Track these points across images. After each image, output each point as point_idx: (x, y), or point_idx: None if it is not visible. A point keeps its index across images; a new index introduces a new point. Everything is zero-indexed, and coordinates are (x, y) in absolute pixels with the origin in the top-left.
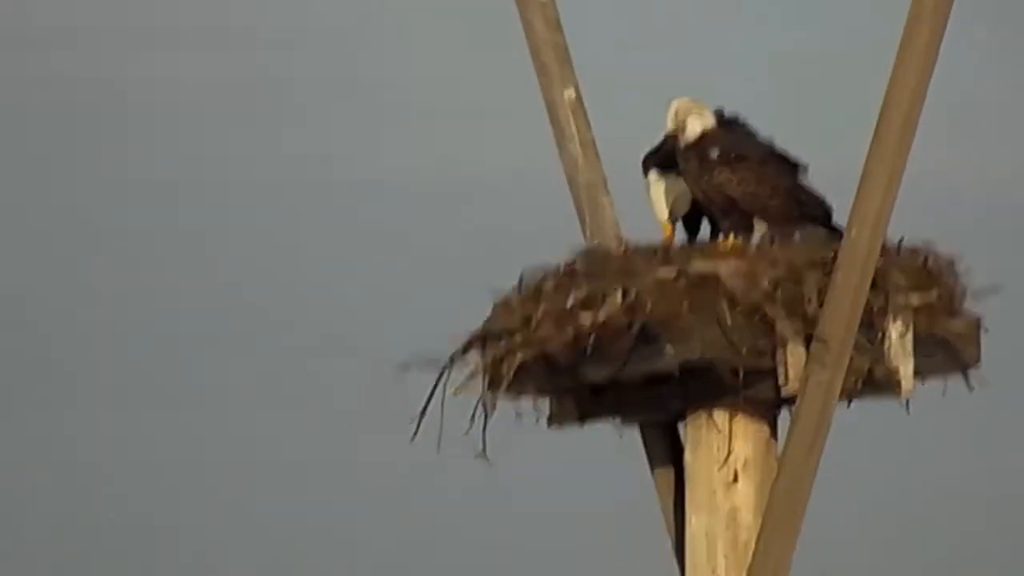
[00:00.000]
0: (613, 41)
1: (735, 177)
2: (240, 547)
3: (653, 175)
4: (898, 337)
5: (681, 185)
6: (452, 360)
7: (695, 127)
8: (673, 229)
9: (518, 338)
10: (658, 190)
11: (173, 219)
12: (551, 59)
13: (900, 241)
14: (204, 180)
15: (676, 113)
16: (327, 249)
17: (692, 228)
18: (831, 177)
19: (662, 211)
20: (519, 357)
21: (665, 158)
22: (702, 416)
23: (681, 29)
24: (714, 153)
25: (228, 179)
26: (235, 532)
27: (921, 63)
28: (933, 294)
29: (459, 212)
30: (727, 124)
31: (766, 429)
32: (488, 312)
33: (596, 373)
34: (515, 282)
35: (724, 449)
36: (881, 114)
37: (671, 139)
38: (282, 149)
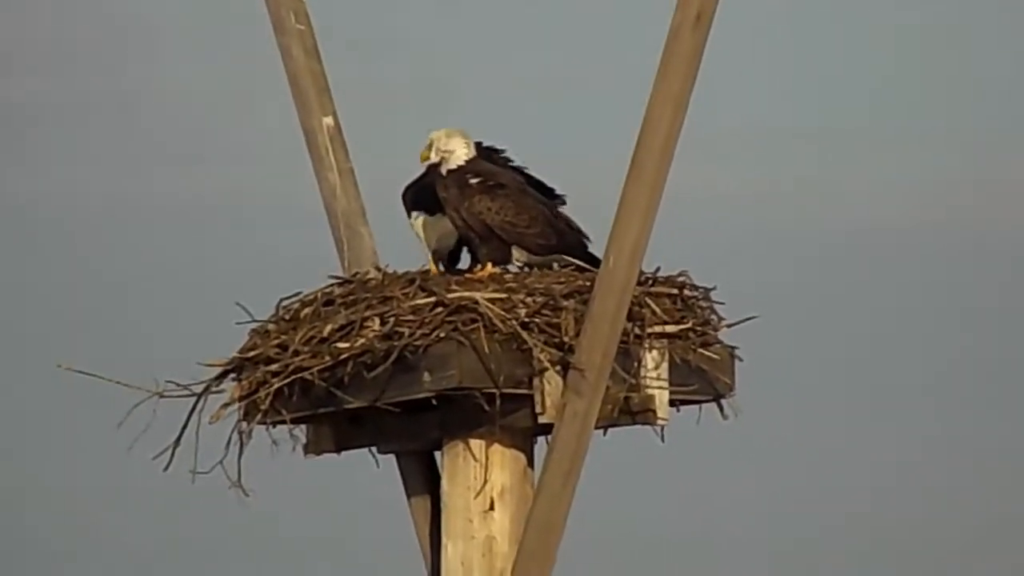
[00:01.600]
0: (373, 70)
1: (494, 205)
2: None
3: (416, 217)
4: (654, 366)
5: (445, 224)
6: (208, 388)
7: (455, 156)
8: (440, 267)
9: (275, 365)
10: (423, 231)
11: None
12: (309, 87)
13: (656, 271)
14: None
15: (437, 141)
16: (82, 271)
17: (451, 257)
18: (588, 206)
19: (428, 251)
20: (275, 385)
21: (425, 189)
22: (459, 444)
23: (440, 58)
24: (473, 181)
25: None
26: None
27: (677, 92)
28: (688, 323)
29: (219, 237)
30: (487, 153)
31: (523, 457)
32: (245, 339)
33: (354, 401)
34: (272, 310)
35: (480, 477)
36: (637, 144)
37: (432, 168)
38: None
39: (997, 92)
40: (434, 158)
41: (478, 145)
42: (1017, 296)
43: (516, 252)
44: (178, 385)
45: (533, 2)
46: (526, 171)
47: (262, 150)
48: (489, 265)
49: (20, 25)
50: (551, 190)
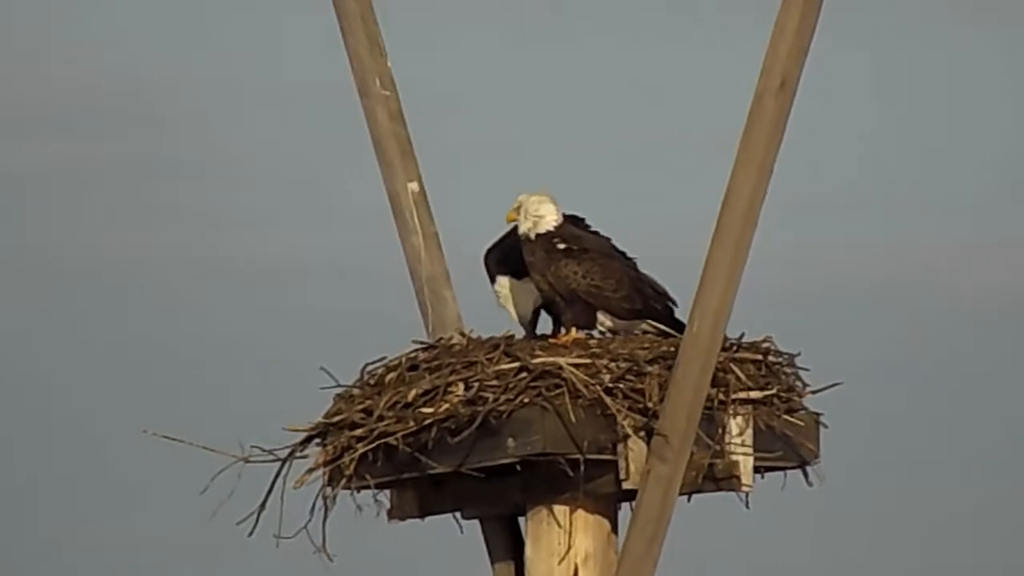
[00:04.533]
0: (458, 134)
1: (580, 269)
2: None
3: (502, 282)
4: (738, 432)
5: (529, 287)
6: (292, 453)
7: (544, 220)
8: (530, 330)
9: (359, 431)
10: (510, 295)
11: None
12: (394, 151)
13: (740, 336)
14: None
15: (526, 204)
16: (163, 336)
17: (533, 321)
18: (673, 271)
19: (513, 314)
20: (360, 450)
21: (507, 252)
22: (543, 510)
23: (522, 123)
24: (560, 245)
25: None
26: None
27: (761, 157)
28: (773, 390)
29: (304, 302)
30: (571, 219)
31: (607, 523)
32: (330, 404)
33: (438, 466)
34: (357, 374)
35: (564, 543)
36: (721, 210)
37: (514, 231)
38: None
39: None
40: (522, 223)
41: (564, 215)
42: None
43: (601, 316)
44: (263, 450)
45: (618, 67)
46: (606, 238)
47: (348, 213)
48: (573, 330)
49: (108, 83)
50: (630, 257)
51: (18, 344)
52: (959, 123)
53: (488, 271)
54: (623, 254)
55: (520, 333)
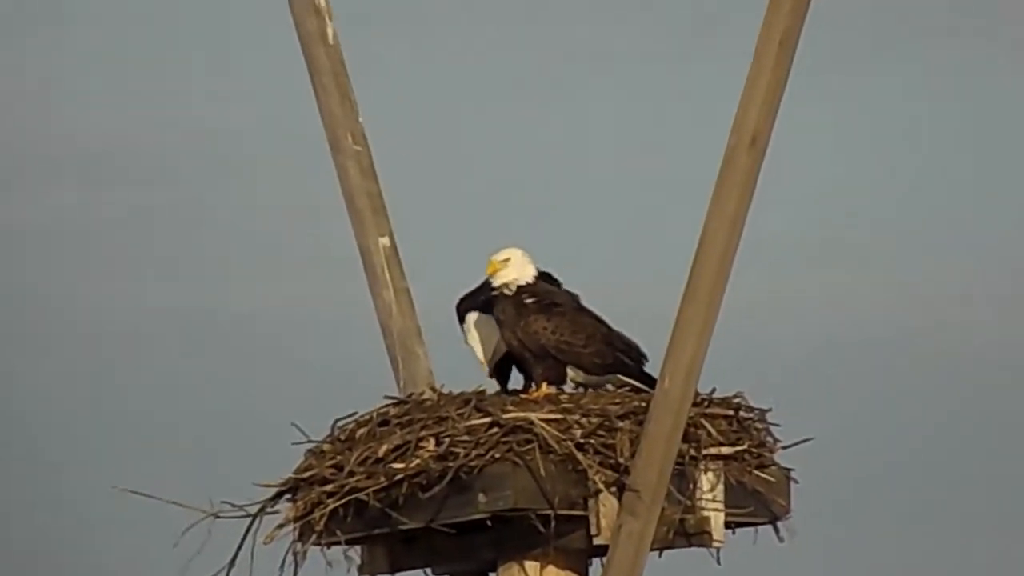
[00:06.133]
0: (430, 190)
1: (550, 324)
2: None
3: (471, 317)
4: (709, 488)
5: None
6: (262, 508)
7: (512, 276)
8: (492, 369)
9: (329, 486)
10: (476, 333)
11: None
12: (365, 206)
13: (712, 391)
14: None
15: (495, 262)
16: (138, 391)
17: (503, 377)
18: (644, 327)
19: (481, 351)
20: (330, 505)
21: (479, 305)
22: (514, 566)
23: (497, 178)
24: (529, 301)
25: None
26: None
27: (732, 215)
28: (744, 445)
29: (273, 355)
30: (543, 276)
31: None
32: (301, 459)
33: (408, 522)
34: (328, 429)
35: None
36: (692, 268)
37: (488, 287)
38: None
39: None
40: (495, 278)
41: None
42: None
43: (571, 371)
44: (233, 506)
45: (588, 124)
46: (579, 297)
47: (320, 267)
48: (544, 385)
49: (80, 136)
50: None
51: None
52: (925, 173)
53: (458, 315)
54: (590, 310)
55: (484, 376)
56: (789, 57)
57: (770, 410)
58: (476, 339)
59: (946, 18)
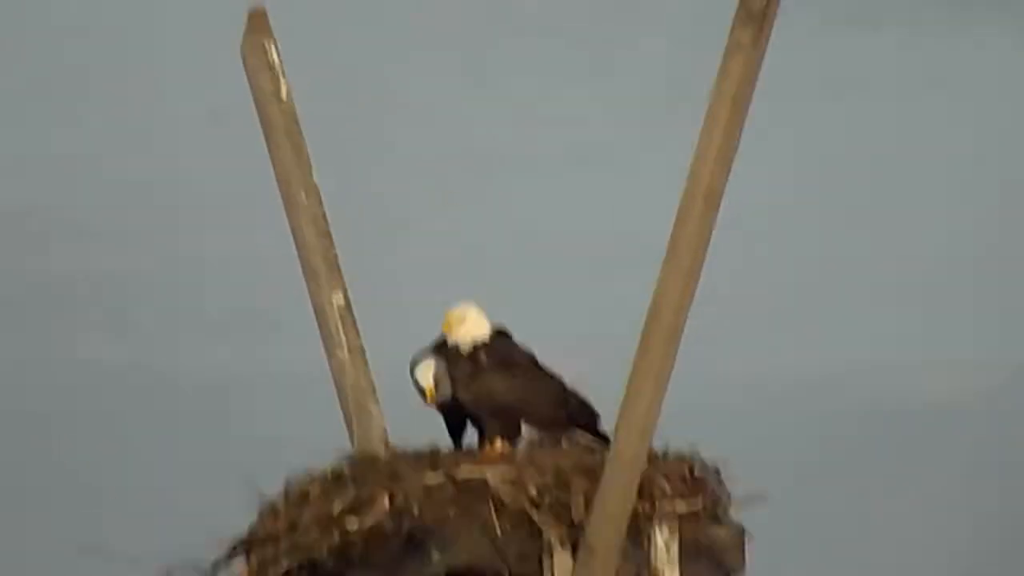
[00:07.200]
0: (384, 249)
1: (505, 383)
2: None
3: (427, 355)
4: (664, 544)
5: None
6: (216, 566)
7: (468, 334)
8: (435, 402)
9: (283, 544)
10: (428, 366)
11: None
12: (319, 264)
13: (666, 448)
14: None
15: (451, 320)
16: (89, 449)
17: (456, 433)
18: (599, 384)
19: (427, 380)
20: (284, 563)
21: (433, 350)
22: None
23: (452, 237)
24: (483, 358)
25: None
26: None
27: (687, 268)
28: (698, 502)
29: (225, 414)
30: (498, 334)
31: None
32: (254, 517)
33: None
34: (281, 487)
35: None
36: (646, 324)
37: (444, 345)
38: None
39: None
40: (447, 334)
41: (491, 326)
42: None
43: (526, 429)
44: (187, 564)
45: (544, 183)
46: (534, 355)
47: (274, 323)
48: (498, 441)
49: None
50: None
51: None
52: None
53: (411, 368)
54: (544, 367)
55: (430, 409)
56: (741, 116)
57: (724, 466)
58: (426, 373)
59: None
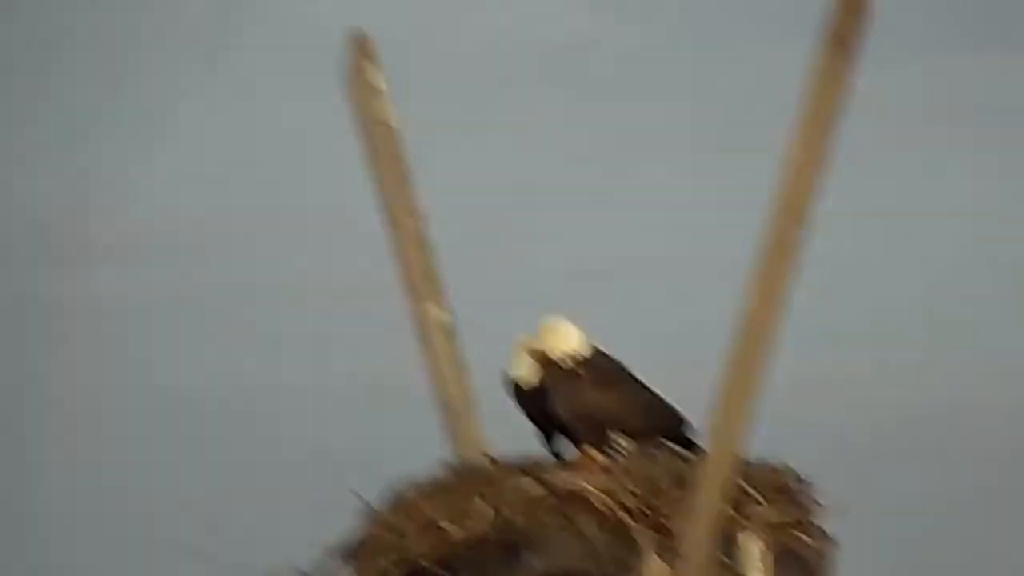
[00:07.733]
0: (484, 261)
1: (601, 396)
2: None
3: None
4: (756, 553)
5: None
6: (321, 571)
7: (564, 348)
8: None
9: (390, 551)
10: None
11: None
12: (420, 279)
13: (759, 459)
14: None
15: (547, 335)
16: (193, 457)
17: (549, 441)
18: (692, 393)
19: (521, 372)
20: (389, 570)
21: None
22: None
23: (551, 251)
24: (577, 371)
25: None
26: None
27: (776, 281)
28: (790, 512)
29: (329, 423)
30: (592, 348)
31: None
32: (358, 525)
33: None
34: (386, 495)
35: None
36: (738, 334)
37: (540, 358)
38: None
39: None
40: (543, 348)
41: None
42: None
43: (620, 439)
44: (290, 568)
45: (635, 203)
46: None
47: (374, 337)
48: (592, 451)
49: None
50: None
51: None
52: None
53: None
54: (636, 378)
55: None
56: (830, 137)
57: (816, 478)
58: (522, 364)
59: None
